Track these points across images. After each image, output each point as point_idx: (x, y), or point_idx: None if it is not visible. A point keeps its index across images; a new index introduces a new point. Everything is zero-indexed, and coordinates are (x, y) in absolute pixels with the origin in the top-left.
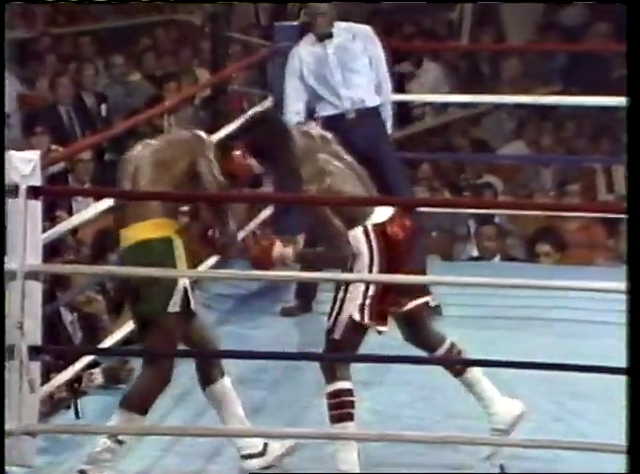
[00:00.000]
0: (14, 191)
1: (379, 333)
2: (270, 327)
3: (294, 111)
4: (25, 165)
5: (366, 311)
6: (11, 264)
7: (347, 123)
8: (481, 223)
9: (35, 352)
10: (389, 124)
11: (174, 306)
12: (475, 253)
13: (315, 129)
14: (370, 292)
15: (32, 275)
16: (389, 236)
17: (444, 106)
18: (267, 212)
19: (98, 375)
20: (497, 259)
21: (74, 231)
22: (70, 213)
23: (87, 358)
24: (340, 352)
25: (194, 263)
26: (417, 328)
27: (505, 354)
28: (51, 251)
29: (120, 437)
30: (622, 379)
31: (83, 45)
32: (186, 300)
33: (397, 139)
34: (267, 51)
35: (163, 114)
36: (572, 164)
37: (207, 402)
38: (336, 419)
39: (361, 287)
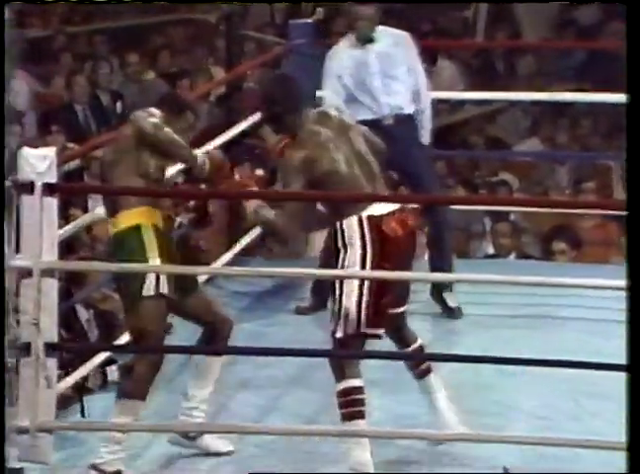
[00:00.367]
0: (30, 188)
1: (379, 338)
2: (285, 324)
3: None
4: (40, 162)
5: (363, 311)
6: (27, 261)
7: (383, 129)
8: (496, 221)
9: (51, 348)
10: (428, 133)
11: (148, 290)
12: (491, 250)
13: (339, 113)
14: (366, 284)
15: (47, 272)
16: (384, 231)
17: (460, 103)
18: None
19: (114, 372)
20: (512, 256)
21: (89, 228)
22: (85, 211)
23: (103, 355)
24: (346, 348)
25: (185, 252)
26: (401, 325)
27: (520, 352)
28: (67, 248)
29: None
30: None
31: (98, 44)
32: (161, 284)
33: None
34: (281, 49)
35: None
36: (587, 161)
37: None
38: (347, 417)
39: (357, 281)
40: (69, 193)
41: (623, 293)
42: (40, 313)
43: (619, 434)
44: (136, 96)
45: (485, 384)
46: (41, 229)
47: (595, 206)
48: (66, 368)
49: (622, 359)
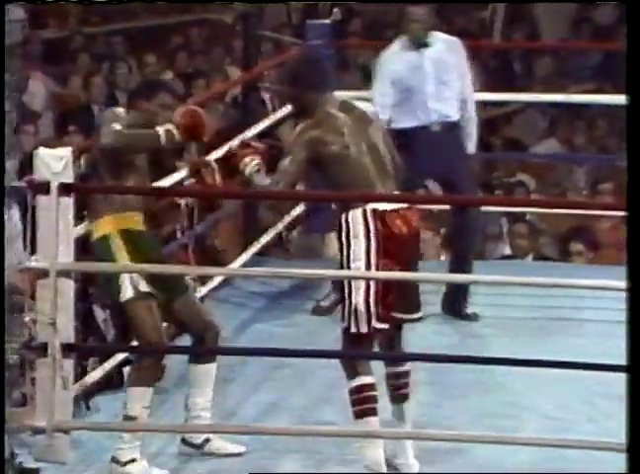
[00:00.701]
0: (45, 188)
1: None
2: (301, 325)
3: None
4: (56, 162)
5: (372, 306)
6: (43, 262)
7: (430, 136)
8: (514, 222)
9: (67, 349)
10: (474, 142)
11: (126, 293)
12: (508, 251)
13: (364, 107)
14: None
15: (64, 272)
16: (389, 226)
17: (477, 104)
18: (298, 210)
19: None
20: (529, 258)
21: None
22: None
23: (120, 356)
24: (358, 345)
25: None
26: (396, 342)
27: (537, 353)
28: (83, 248)
29: (131, 414)
30: None
31: (116, 45)
32: (138, 284)
33: None
34: (298, 49)
35: None
36: (605, 163)
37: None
38: (359, 414)
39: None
40: (85, 193)
41: None
42: (56, 314)
43: None
44: None
45: (499, 385)
46: (57, 230)
47: (612, 208)
48: (83, 368)
49: None
